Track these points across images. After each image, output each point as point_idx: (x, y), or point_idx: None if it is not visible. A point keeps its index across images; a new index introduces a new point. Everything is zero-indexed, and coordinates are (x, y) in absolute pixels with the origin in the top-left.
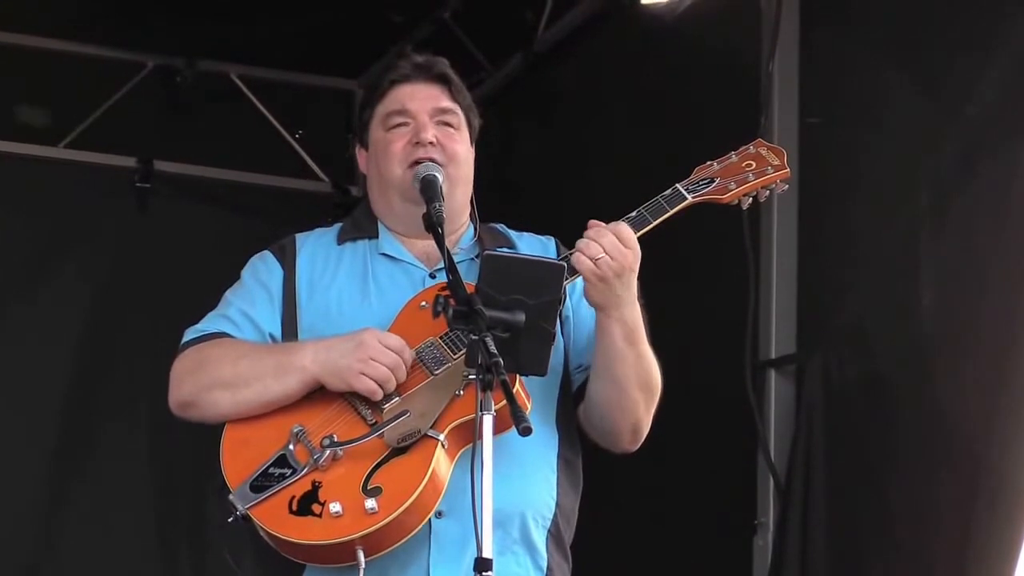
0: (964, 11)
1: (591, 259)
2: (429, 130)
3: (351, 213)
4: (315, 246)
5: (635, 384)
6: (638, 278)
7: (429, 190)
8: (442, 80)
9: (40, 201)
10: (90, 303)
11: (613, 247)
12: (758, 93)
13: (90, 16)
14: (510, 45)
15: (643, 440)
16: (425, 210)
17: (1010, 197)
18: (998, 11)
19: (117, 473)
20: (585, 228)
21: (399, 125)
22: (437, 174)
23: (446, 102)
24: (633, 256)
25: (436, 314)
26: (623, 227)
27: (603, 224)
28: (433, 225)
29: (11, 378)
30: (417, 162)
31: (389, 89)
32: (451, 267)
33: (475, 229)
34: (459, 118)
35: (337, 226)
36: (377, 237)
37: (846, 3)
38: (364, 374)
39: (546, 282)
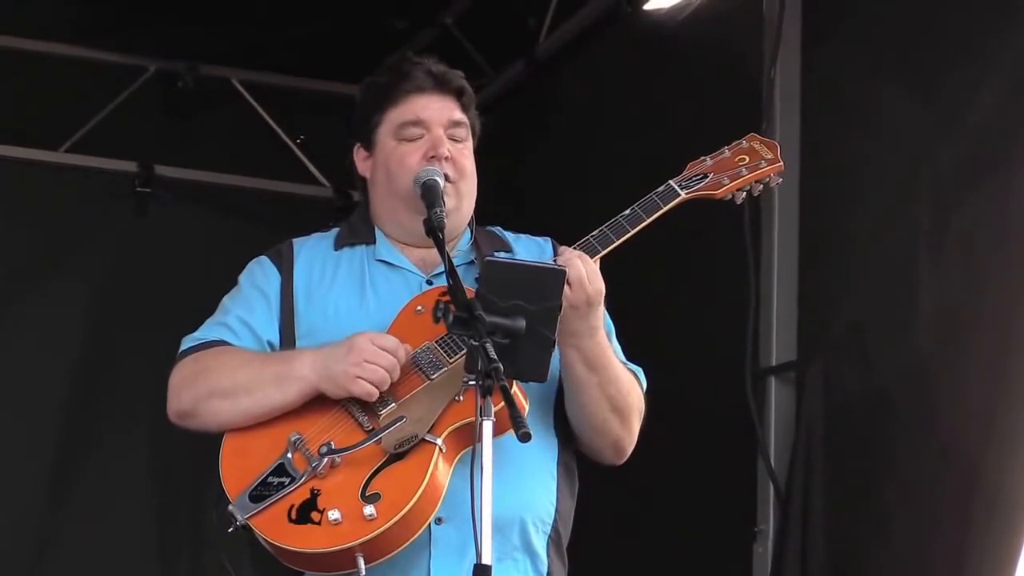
0: (964, 19)
1: None
2: (445, 144)
3: (348, 218)
4: (312, 251)
5: (605, 407)
6: (636, 286)
7: (430, 195)
8: (455, 92)
9: (40, 205)
10: (90, 307)
11: (577, 280)
12: (760, 100)
13: (91, 20)
14: (512, 51)
15: (628, 455)
16: (424, 217)
17: (1009, 205)
18: (998, 19)
19: (116, 477)
20: (589, 233)
21: (413, 137)
22: (438, 179)
23: (458, 114)
24: (593, 291)
25: (436, 320)
26: (589, 263)
27: (573, 252)
28: (434, 230)
29: (11, 382)
30: None
31: (403, 98)
32: (452, 272)
33: (471, 233)
34: (467, 130)
35: (334, 231)
36: (374, 243)
37: (848, 11)
38: (360, 377)
39: (547, 288)
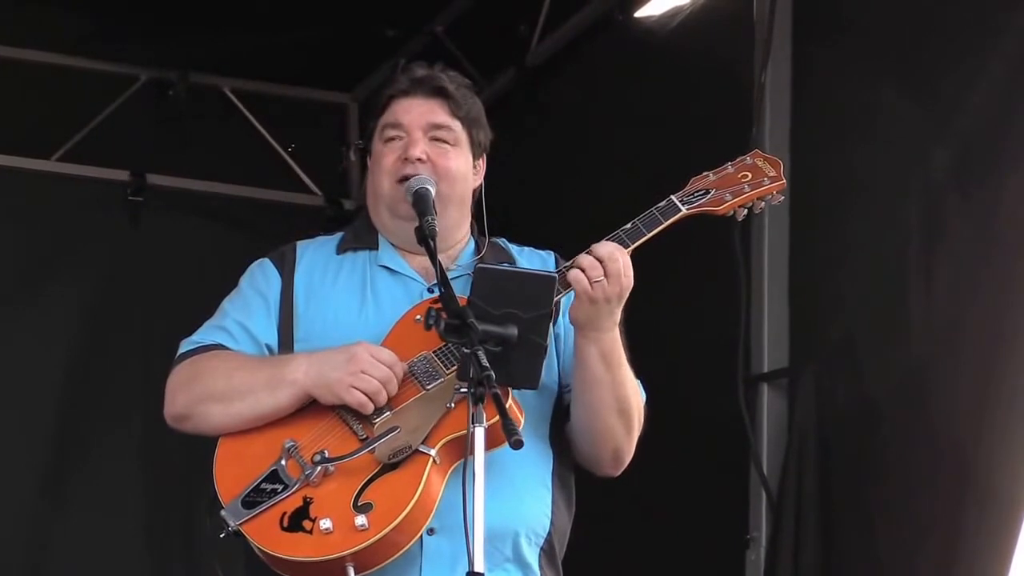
0: (955, 23)
1: (590, 280)
2: (419, 146)
3: (352, 222)
4: (315, 254)
5: (612, 410)
6: (630, 294)
7: (421, 203)
8: (440, 94)
9: (32, 214)
10: (82, 316)
11: (616, 274)
12: (751, 105)
13: (82, 29)
14: (503, 59)
15: (626, 466)
16: (416, 225)
17: (1000, 210)
18: (989, 23)
19: (111, 483)
20: (581, 242)
21: (392, 139)
22: (429, 187)
23: (442, 117)
24: (628, 284)
25: (428, 327)
26: (626, 257)
27: (611, 244)
28: (425, 238)
29: (6, 389)
30: (405, 178)
31: (388, 103)
32: (443, 280)
33: (477, 244)
34: (455, 134)
35: (339, 235)
36: (377, 248)
37: (839, 16)
38: (354, 387)
39: (539, 295)
